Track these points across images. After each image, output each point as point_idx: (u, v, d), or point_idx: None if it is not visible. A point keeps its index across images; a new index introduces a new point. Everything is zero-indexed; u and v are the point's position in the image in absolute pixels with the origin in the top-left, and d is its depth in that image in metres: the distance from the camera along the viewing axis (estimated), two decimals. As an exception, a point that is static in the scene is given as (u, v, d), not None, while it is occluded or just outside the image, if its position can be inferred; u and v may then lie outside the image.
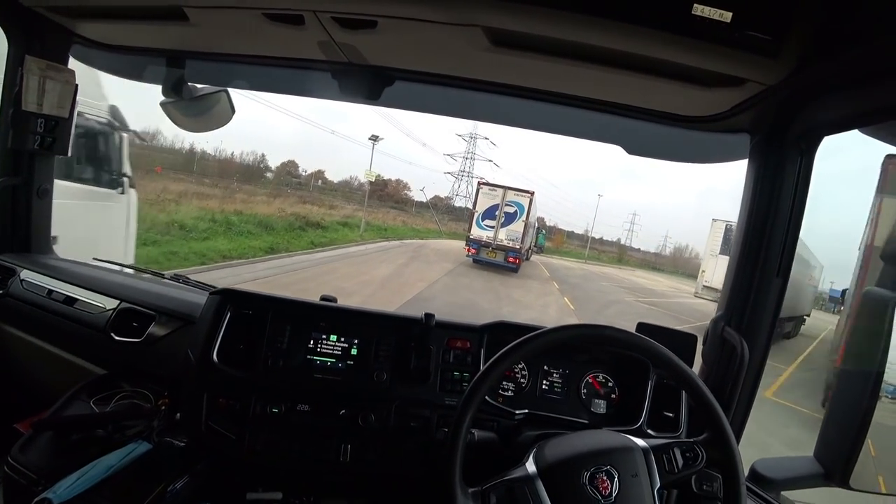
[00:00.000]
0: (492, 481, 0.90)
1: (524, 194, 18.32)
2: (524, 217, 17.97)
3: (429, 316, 1.37)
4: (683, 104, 1.22)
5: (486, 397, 1.28)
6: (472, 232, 18.23)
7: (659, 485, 0.91)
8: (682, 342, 1.36)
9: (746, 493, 0.92)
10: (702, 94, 1.10)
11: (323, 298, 1.54)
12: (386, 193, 55.25)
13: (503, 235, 17.89)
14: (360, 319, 1.42)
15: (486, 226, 18.07)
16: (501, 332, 1.40)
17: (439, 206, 60.17)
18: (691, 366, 1.33)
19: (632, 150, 1.58)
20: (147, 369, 1.50)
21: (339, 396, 1.32)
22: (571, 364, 1.45)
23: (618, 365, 1.43)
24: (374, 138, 26.53)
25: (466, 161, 63.50)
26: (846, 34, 0.81)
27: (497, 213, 18.02)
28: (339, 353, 1.37)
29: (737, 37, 0.84)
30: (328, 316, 1.40)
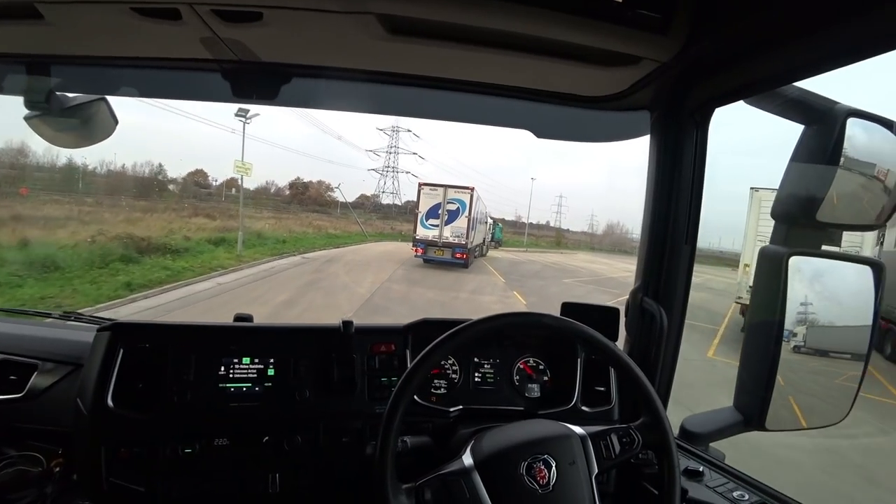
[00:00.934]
0: (426, 476, 0.88)
1: (465, 191, 18.76)
2: (466, 213, 18.28)
3: (347, 323, 1.31)
4: (585, 85, 1.24)
5: (418, 399, 1.30)
6: (417, 232, 18.58)
7: (597, 471, 0.92)
8: (606, 317, 1.41)
9: (678, 455, 0.94)
10: (601, 74, 1.13)
11: (237, 318, 1.41)
12: (308, 196, 51.78)
13: (448, 233, 18.34)
14: (274, 337, 1.34)
15: (431, 225, 18.47)
16: (426, 330, 1.35)
17: (366, 206, 58.60)
18: (616, 338, 1.39)
19: (540, 133, 1.59)
20: (33, 428, 1.30)
21: (259, 423, 1.23)
22: (502, 352, 1.44)
23: (547, 347, 1.44)
24: (243, 114, 16.58)
25: (390, 156, 61.55)
26: (726, 11, 0.86)
27: (440, 211, 18.43)
28: (255, 376, 1.26)
29: (629, 15, 0.87)
30: (238, 338, 1.31)
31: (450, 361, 1.40)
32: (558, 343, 1.42)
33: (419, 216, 18.76)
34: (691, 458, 1.25)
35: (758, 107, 1.12)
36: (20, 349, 1.36)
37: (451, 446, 1.11)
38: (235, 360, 1.26)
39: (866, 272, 1.15)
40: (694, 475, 1.17)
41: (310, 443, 1.23)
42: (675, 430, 1.33)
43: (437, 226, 18.50)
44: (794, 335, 1.14)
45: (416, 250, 18.60)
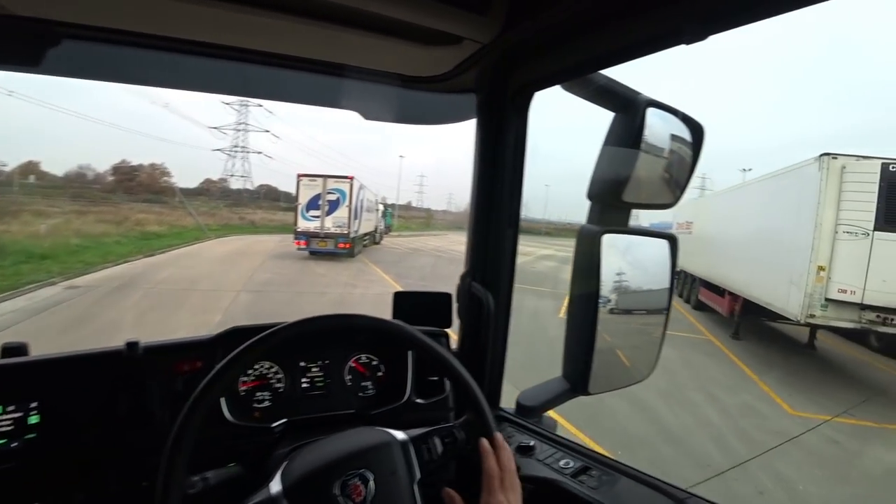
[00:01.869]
0: None
1: (344, 180, 18.70)
2: (347, 203, 18.27)
3: (132, 344, 1.09)
4: (411, 64, 1.21)
5: (235, 420, 1.14)
6: (298, 225, 18.38)
7: (419, 476, 0.87)
8: (438, 303, 1.40)
9: (512, 427, 0.95)
10: (426, 53, 1.11)
11: (5, 351, 1.06)
12: (137, 183, 43.17)
13: (330, 223, 18.35)
14: (34, 374, 1.05)
15: (312, 216, 18.39)
16: (238, 340, 1.08)
17: (212, 192, 50.80)
18: (450, 323, 1.40)
19: (368, 115, 1.54)
20: None
21: (22, 488, 0.97)
22: (331, 353, 1.32)
23: (378, 342, 1.37)
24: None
25: (239, 134, 54.10)
26: None
27: (320, 202, 18.23)
28: (10, 428, 0.98)
29: None
30: None
31: (273, 369, 1.25)
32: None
33: (299, 208, 18.54)
34: (524, 433, 1.29)
35: (573, 93, 1.17)
36: None
37: (266, 472, 0.93)
38: None
39: (664, 244, 1.29)
40: (525, 451, 1.21)
41: (97, 499, 1.02)
42: (513, 405, 1.40)
43: (318, 217, 18.46)
44: (609, 301, 1.22)
45: (297, 243, 18.35)
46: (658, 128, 1.18)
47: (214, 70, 1.24)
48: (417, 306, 1.35)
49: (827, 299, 8.07)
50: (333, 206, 18.52)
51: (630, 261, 1.28)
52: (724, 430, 5.75)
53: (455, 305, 1.43)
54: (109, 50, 1.08)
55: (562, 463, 1.18)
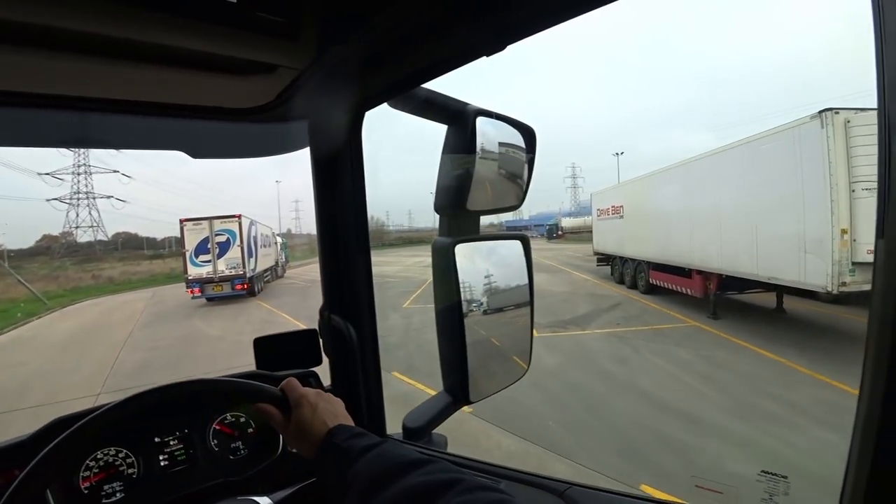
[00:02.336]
0: None
1: (231, 220, 18.10)
2: (238, 242, 17.61)
3: None
4: (232, 97, 1.15)
5: None
6: (188, 272, 17.48)
7: None
8: (304, 342, 1.33)
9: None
10: (245, 84, 1.06)
11: None
12: None
13: (223, 266, 17.60)
14: None
15: (202, 262, 17.56)
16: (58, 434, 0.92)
17: (54, 249, 43.54)
18: (321, 360, 1.32)
19: (196, 153, 1.44)
20: None
21: None
22: (189, 421, 1.18)
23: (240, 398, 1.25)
24: None
25: (80, 178, 46.37)
26: (353, 17, 0.85)
27: (209, 245, 17.41)
28: None
29: (248, 18, 0.80)
30: None
31: (120, 454, 1.08)
32: (190, 410, 1.20)
33: (187, 255, 17.66)
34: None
35: (402, 110, 1.16)
36: None
37: None
38: None
39: (518, 245, 1.33)
40: None
41: None
42: (399, 431, 1.34)
43: (209, 261, 17.63)
44: (481, 304, 1.24)
45: (191, 291, 17.41)
46: (491, 135, 1.20)
47: (28, 120, 1.09)
48: (282, 350, 1.27)
49: (854, 263, 7.33)
50: (224, 247, 17.82)
51: (492, 263, 1.30)
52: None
53: (321, 342, 1.37)
54: None
55: None
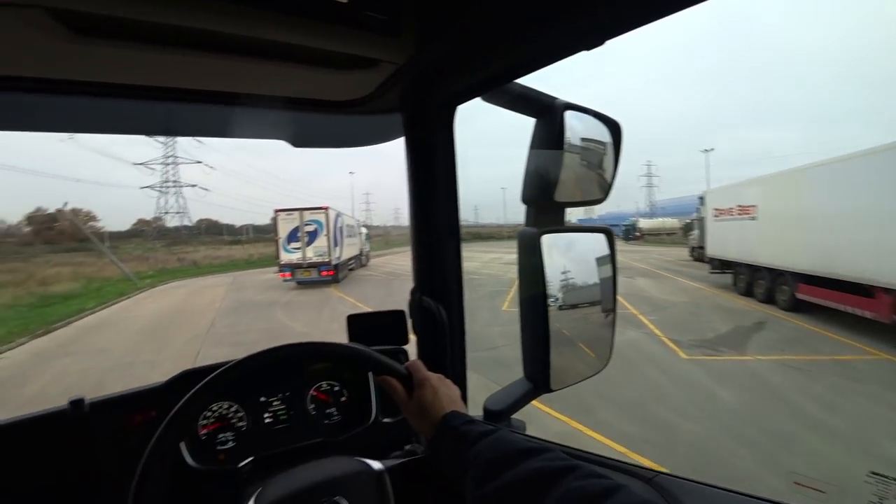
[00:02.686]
0: None
1: (319, 211, 19.41)
2: (325, 232, 18.90)
3: (76, 402, 1.02)
4: (333, 90, 1.21)
5: (198, 464, 1.12)
6: (281, 258, 19.06)
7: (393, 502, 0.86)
8: (392, 321, 1.40)
9: None
10: (346, 78, 1.12)
11: None
12: (58, 232, 38.72)
13: (311, 253, 19.09)
14: None
15: (293, 248, 19.34)
16: (192, 383, 1.02)
17: (147, 233, 47.61)
18: (407, 340, 1.40)
19: (297, 142, 1.54)
20: None
21: None
22: (291, 385, 1.31)
23: (337, 367, 1.38)
24: None
25: (168, 168, 50.46)
26: (450, 13, 0.89)
27: (299, 234, 18.89)
28: None
29: (357, 17, 0.86)
30: None
31: (232, 408, 1.23)
32: (310, 367, 1.34)
33: (280, 242, 19.18)
34: None
35: (494, 103, 1.21)
36: None
37: None
38: None
39: (601, 238, 1.33)
40: None
41: None
42: (480, 412, 1.42)
43: (299, 248, 19.13)
44: (557, 299, 1.25)
45: (282, 275, 19.09)
46: (577, 129, 1.22)
47: (135, 111, 1.18)
48: (372, 327, 1.35)
49: None
50: (312, 236, 19.26)
51: (571, 257, 1.32)
52: None
53: (409, 322, 1.44)
54: (24, 99, 1.02)
55: None
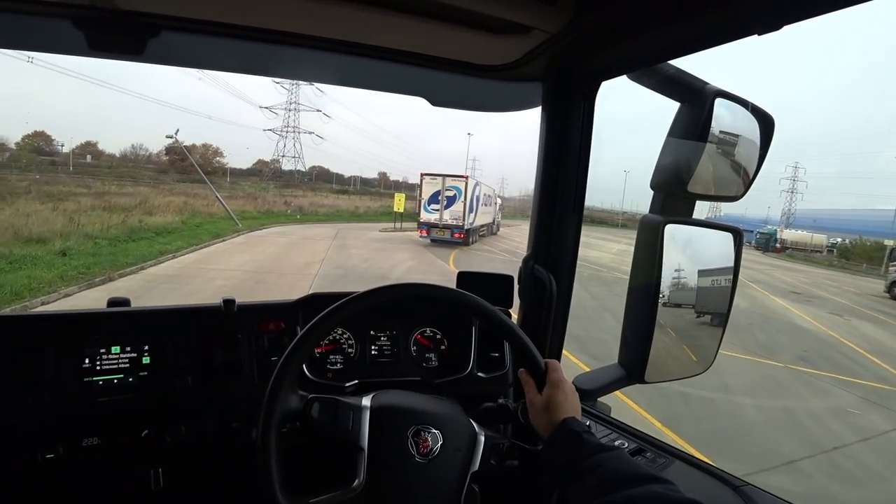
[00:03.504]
0: (322, 395, 0.86)
1: (460, 179, 20.94)
2: (462, 198, 20.39)
3: (228, 302, 1.20)
4: (478, 53, 1.22)
5: (312, 376, 1.26)
6: (421, 216, 20.78)
7: (476, 469, 0.90)
8: (500, 284, 1.44)
9: None
10: (494, 42, 1.12)
11: (111, 303, 1.22)
12: (189, 164, 38.68)
13: (447, 216, 20.35)
14: (147, 321, 1.19)
15: (432, 209, 20.56)
16: (318, 305, 1.18)
17: (264, 173, 48.96)
18: (511, 304, 1.43)
19: (435, 101, 1.56)
20: None
21: (136, 417, 1.10)
22: (398, 324, 1.41)
23: (442, 317, 1.44)
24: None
25: (290, 114, 51.71)
26: None
27: (440, 197, 20.49)
28: (127, 365, 1.12)
29: None
30: (103, 325, 1.15)
31: (345, 335, 1.35)
32: (453, 313, 1.42)
33: (422, 202, 20.86)
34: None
35: (639, 82, 1.17)
36: None
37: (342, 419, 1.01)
38: (102, 350, 1.11)
39: (728, 238, 1.25)
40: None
41: (195, 432, 1.13)
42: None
43: (437, 210, 20.48)
44: (664, 295, 1.21)
45: (420, 231, 20.76)
46: (726, 119, 1.15)
47: (287, 56, 1.28)
48: (480, 286, 1.40)
49: None
50: (451, 201, 20.46)
51: (691, 253, 1.26)
52: None
53: (516, 287, 1.46)
54: (205, 41, 1.16)
55: (617, 443, 1.21)
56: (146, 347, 1.15)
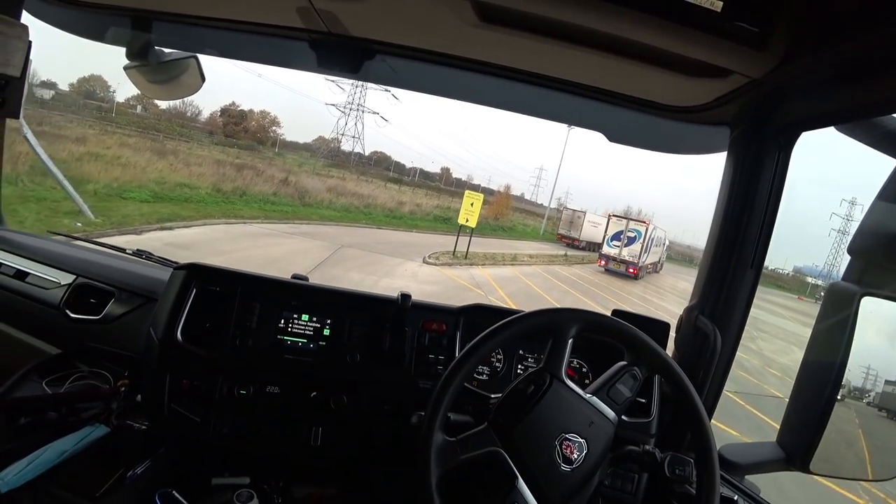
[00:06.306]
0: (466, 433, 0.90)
1: (641, 224, 23.53)
2: (641, 240, 22.66)
3: (405, 297, 1.27)
4: (667, 93, 1.17)
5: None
6: (603, 249, 23.61)
7: (602, 482, 0.93)
8: (655, 329, 1.30)
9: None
10: (686, 84, 1.07)
11: (294, 277, 1.41)
12: (243, 129, 39.14)
13: (626, 253, 22.66)
14: (333, 299, 1.32)
15: (614, 245, 23.08)
16: (478, 315, 1.31)
17: (321, 149, 44.40)
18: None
19: (613, 137, 1.51)
20: (105, 349, 1.36)
21: (310, 378, 1.23)
22: (545, 349, 1.32)
23: (592, 350, 1.36)
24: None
25: (357, 90, 44.36)
26: (829, 30, 0.79)
27: (622, 236, 22.98)
28: (311, 333, 1.27)
29: (725, 27, 0.82)
30: (300, 295, 1.30)
31: (496, 351, 1.35)
32: (603, 347, 1.29)
33: (605, 237, 23.83)
34: (725, 486, 1.16)
35: (849, 135, 1.03)
36: (101, 277, 1.44)
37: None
38: (295, 316, 1.26)
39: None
40: (727, 503, 1.11)
41: (354, 405, 1.22)
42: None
43: (618, 246, 22.94)
44: (848, 383, 1.04)
45: (600, 262, 23.27)
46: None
47: (478, 83, 1.37)
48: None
49: None
50: (631, 241, 22.83)
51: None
52: None
53: (673, 336, 1.34)
54: (407, 64, 1.33)
55: None
56: (329, 321, 1.28)
